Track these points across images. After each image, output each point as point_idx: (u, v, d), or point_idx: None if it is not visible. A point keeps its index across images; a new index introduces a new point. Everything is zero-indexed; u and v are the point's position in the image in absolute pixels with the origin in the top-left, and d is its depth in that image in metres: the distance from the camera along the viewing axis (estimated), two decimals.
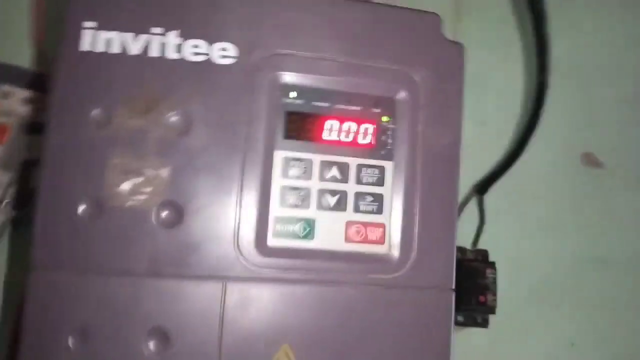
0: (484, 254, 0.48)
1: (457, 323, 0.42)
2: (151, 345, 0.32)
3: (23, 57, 0.47)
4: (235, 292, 0.33)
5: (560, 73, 0.50)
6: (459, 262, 0.37)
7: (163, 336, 0.32)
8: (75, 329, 0.32)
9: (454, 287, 0.36)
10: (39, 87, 0.46)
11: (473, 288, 0.43)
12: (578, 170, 0.56)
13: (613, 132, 0.57)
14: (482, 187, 0.49)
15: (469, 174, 0.50)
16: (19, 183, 0.44)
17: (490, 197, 0.50)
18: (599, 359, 0.53)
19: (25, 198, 0.45)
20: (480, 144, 0.50)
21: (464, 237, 0.47)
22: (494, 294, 0.44)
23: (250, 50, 0.35)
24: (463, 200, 0.49)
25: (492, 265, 0.45)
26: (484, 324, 0.45)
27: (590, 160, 0.57)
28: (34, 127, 0.44)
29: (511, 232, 0.53)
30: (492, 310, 0.44)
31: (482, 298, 0.44)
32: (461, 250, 0.46)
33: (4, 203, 0.44)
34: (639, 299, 0.55)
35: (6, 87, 0.45)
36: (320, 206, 0.35)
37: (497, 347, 0.51)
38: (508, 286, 0.44)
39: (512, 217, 0.53)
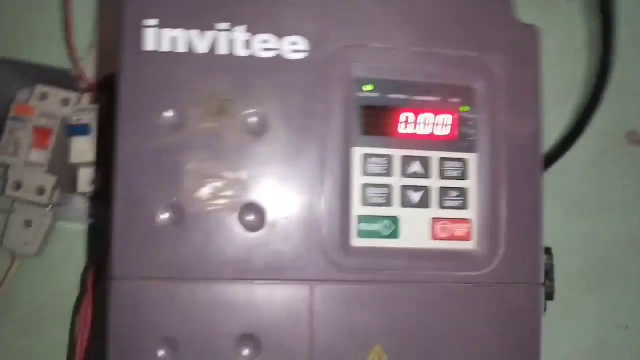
0: None
1: None
2: (242, 351, 0.31)
3: (57, 56, 0.46)
4: (323, 295, 0.32)
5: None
6: None
7: (253, 342, 0.31)
8: (164, 340, 0.31)
9: (542, 281, 0.35)
10: (75, 87, 0.45)
11: None
12: (623, 150, 0.55)
13: None
14: None
15: None
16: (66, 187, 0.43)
17: None
18: None
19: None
20: None
21: None
22: (552, 280, 0.43)
23: (321, 44, 0.33)
24: None
25: (549, 251, 0.44)
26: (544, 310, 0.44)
27: (635, 139, 0.56)
28: (78, 130, 0.43)
29: (558, 215, 0.52)
30: (550, 297, 0.43)
31: None
32: None
33: (50, 206, 0.42)
34: None
35: (43, 88, 0.43)
36: (404, 203, 0.34)
37: (548, 331, 0.51)
38: (557, 270, 0.43)
39: (558, 200, 0.52)
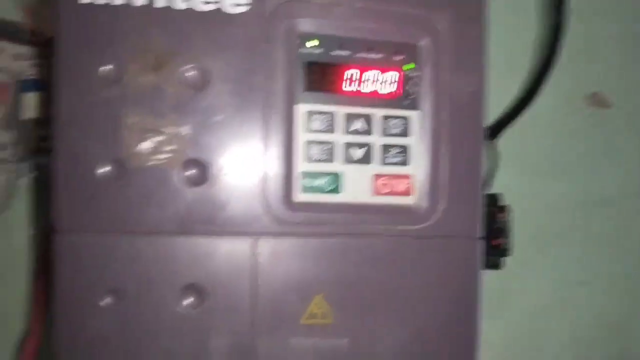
0: (496, 197, 0.48)
1: None
2: (185, 301, 0.32)
3: (9, 10, 0.44)
4: (265, 248, 0.33)
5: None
6: None
7: (197, 293, 0.32)
8: (108, 290, 0.32)
9: (481, 235, 0.36)
10: (29, 42, 0.43)
11: (487, 232, 0.44)
12: (584, 111, 0.56)
13: (617, 71, 0.56)
14: (493, 132, 0.49)
15: None
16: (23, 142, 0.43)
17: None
18: (606, 297, 0.55)
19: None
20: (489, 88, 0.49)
21: None
22: (507, 237, 0.44)
23: None
24: None
25: (505, 208, 0.45)
26: (496, 266, 0.46)
27: (597, 100, 0.57)
28: (30, 85, 0.42)
29: (518, 175, 0.53)
30: (505, 253, 0.45)
31: (495, 242, 0.44)
32: None
33: (8, 163, 0.42)
34: None
35: None
36: (346, 160, 0.34)
37: (507, 287, 0.53)
38: (517, 228, 0.45)
39: (519, 160, 0.53)
